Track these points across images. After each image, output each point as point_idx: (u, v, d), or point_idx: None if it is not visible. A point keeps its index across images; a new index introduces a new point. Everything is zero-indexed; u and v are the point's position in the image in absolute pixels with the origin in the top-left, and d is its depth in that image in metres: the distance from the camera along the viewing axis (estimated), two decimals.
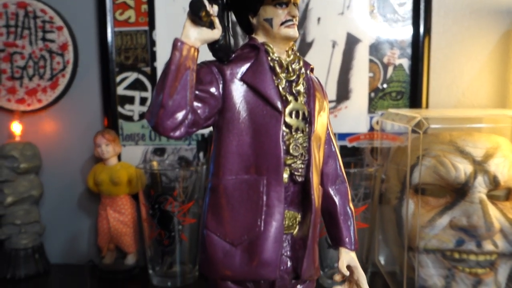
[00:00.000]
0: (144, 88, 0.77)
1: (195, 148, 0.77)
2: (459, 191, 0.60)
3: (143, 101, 0.77)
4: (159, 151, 0.78)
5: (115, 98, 0.77)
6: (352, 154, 0.75)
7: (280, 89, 0.27)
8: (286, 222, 0.27)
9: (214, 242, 0.26)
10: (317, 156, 0.28)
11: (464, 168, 0.59)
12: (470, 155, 0.60)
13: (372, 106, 0.74)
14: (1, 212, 0.74)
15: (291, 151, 0.26)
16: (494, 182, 0.59)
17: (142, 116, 0.77)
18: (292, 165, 0.27)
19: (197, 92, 0.27)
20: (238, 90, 0.27)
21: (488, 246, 0.59)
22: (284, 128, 0.26)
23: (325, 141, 0.29)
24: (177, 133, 0.26)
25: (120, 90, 0.77)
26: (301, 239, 0.27)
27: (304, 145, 0.27)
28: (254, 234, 0.26)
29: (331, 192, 0.30)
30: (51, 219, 0.79)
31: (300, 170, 0.27)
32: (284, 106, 0.27)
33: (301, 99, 0.28)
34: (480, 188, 0.59)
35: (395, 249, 0.69)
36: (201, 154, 0.77)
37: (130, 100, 0.77)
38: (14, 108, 0.78)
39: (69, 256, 0.81)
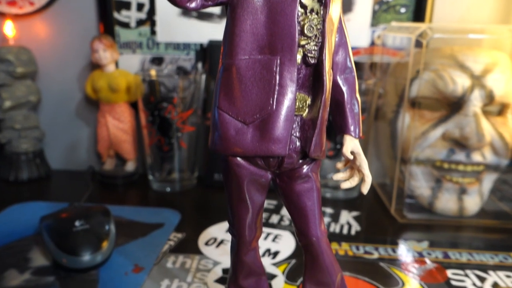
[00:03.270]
0: None
1: (194, 58, 0.76)
2: (454, 105, 0.62)
3: (140, 7, 0.74)
4: (157, 61, 0.77)
5: (111, 3, 0.74)
6: None
7: None
8: (297, 104, 0.28)
9: (226, 120, 0.27)
10: (331, 40, 0.28)
11: (462, 82, 0.60)
12: (469, 69, 0.61)
13: (375, 20, 0.73)
14: (0, 117, 0.74)
15: (305, 31, 0.26)
16: (489, 97, 0.60)
17: (139, 23, 0.75)
18: (306, 46, 0.27)
19: None
20: None
21: (476, 157, 0.62)
22: (299, 8, 0.26)
23: (337, 29, 0.29)
24: (193, 5, 0.26)
25: None
26: (311, 120, 0.28)
27: (318, 27, 0.27)
28: (266, 113, 0.27)
29: (339, 81, 0.30)
30: (50, 126, 0.80)
31: (313, 52, 0.27)
32: None
33: None
34: (476, 102, 0.61)
35: (387, 161, 0.72)
36: (199, 65, 0.76)
37: (127, 5, 0.75)
38: (5, 11, 0.75)
39: (69, 162, 0.82)
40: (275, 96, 0.26)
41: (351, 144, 0.30)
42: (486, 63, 0.61)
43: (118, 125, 0.74)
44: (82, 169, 0.81)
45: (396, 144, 0.67)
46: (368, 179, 0.31)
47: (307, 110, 0.28)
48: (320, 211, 0.31)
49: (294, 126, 0.28)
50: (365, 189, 0.31)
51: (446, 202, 0.64)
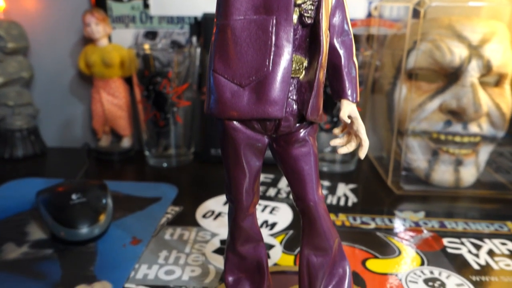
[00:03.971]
0: None
1: (188, 32, 0.75)
2: (452, 76, 0.61)
3: None
4: (151, 35, 0.76)
5: None
6: None
7: None
8: (293, 66, 0.27)
9: (222, 83, 0.27)
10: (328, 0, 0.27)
11: (459, 52, 0.60)
12: (466, 39, 0.60)
13: None
14: None
15: None
16: (487, 67, 0.60)
17: None
18: (302, 5, 0.26)
19: None
20: None
21: (473, 128, 0.62)
22: None
23: None
24: None
25: None
26: (307, 82, 0.27)
27: None
28: (262, 74, 0.26)
29: (336, 44, 0.30)
30: (44, 103, 0.79)
31: (309, 11, 0.26)
32: None
33: None
34: (473, 72, 0.60)
35: (384, 134, 0.72)
36: (194, 39, 0.75)
37: None
38: None
39: (64, 139, 0.82)
40: (271, 57, 0.26)
41: (348, 109, 0.30)
42: (484, 32, 0.61)
43: (113, 100, 0.74)
44: (77, 147, 0.81)
45: (393, 117, 0.66)
46: (366, 143, 0.31)
47: (303, 72, 0.28)
48: (318, 176, 0.31)
49: (290, 88, 0.28)
50: (362, 154, 0.31)
51: (443, 174, 0.64)
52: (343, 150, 0.32)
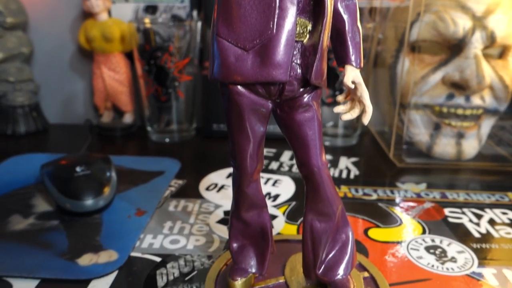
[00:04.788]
0: None
1: (189, 6, 0.74)
2: (455, 47, 0.61)
3: None
4: (151, 9, 0.75)
5: None
6: None
7: None
8: (297, 29, 0.27)
9: (226, 47, 0.27)
10: None
11: (463, 23, 0.59)
12: (470, 10, 0.60)
13: None
14: None
15: None
16: (491, 39, 0.60)
17: None
18: None
19: None
20: None
21: (476, 100, 0.62)
22: None
23: None
24: None
25: None
26: (312, 46, 0.27)
27: None
28: (266, 37, 0.26)
29: (340, 9, 0.29)
30: (44, 79, 0.79)
31: None
32: None
33: None
34: (477, 44, 0.60)
35: (386, 108, 0.72)
36: (194, 13, 0.74)
37: None
38: None
39: (66, 116, 0.82)
40: (275, 19, 0.26)
41: (352, 74, 0.30)
42: (488, 3, 0.60)
43: (114, 76, 0.73)
44: (79, 123, 0.81)
45: (395, 90, 0.66)
46: (369, 109, 0.31)
47: (307, 36, 0.28)
48: (321, 141, 0.31)
49: (294, 52, 0.27)
50: (366, 120, 0.31)
51: (445, 147, 0.65)
52: (347, 117, 0.32)
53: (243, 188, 0.32)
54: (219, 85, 0.28)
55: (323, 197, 0.31)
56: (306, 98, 0.29)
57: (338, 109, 0.32)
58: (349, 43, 0.30)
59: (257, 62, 0.26)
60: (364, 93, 0.31)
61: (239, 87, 0.28)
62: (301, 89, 0.29)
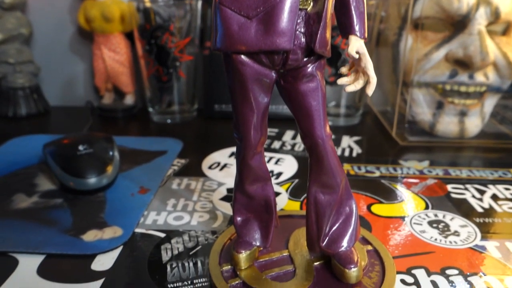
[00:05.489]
0: None
1: None
2: (459, 24, 0.60)
3: None
4: None
5: None
6: None
7: None
8: None
9: (229, 15, 0.26)
10: None
11: None
12: None
13: None
14: None
15: None
16: (495, 14, 0.59)
17: None
18: None
19: None
20: None
21: (479, 77, 0.61)
22: None
23: None
24: None
25: None
26: (316, 13, 0.27)
27: None
28: (270, 4, 0.26)
29: None
30: (44, 61, 0.78)
31: None
32: None
33: None
34: (480, 20, 0.59)
35: (389, 87, 0.71)
36: None
37: None
38: None
39: (67, 98, 0.81)
40: None
41: (356, 44, 0.30)
42: None
43: (114, 56, 0.73)
44: (80, 105, 0.80)
45: (398, 68, 0.66)
46: (373, 80, 0.31)
47: (311, 4, 0.27)
48: (325, 112, 0.31)
49: (298, 21, 0.27)
50: (370, 90, 0.31)
51: (447, 125, 0.64)
52: (351, 88, 0.32)
53: (247, 160, 0.32)
54: (222, 56, 0.28)
55: (327, 169, 0.31)
56: (310, 68, 0.29)
57: (342, 80, 0.32)
58: (353, 13, 0.29)
59: (260, 30, 0.26)
60: (368, 63, 0.30)
61: (242, 56, 0.27)
62: (305, 59, 0.28)
